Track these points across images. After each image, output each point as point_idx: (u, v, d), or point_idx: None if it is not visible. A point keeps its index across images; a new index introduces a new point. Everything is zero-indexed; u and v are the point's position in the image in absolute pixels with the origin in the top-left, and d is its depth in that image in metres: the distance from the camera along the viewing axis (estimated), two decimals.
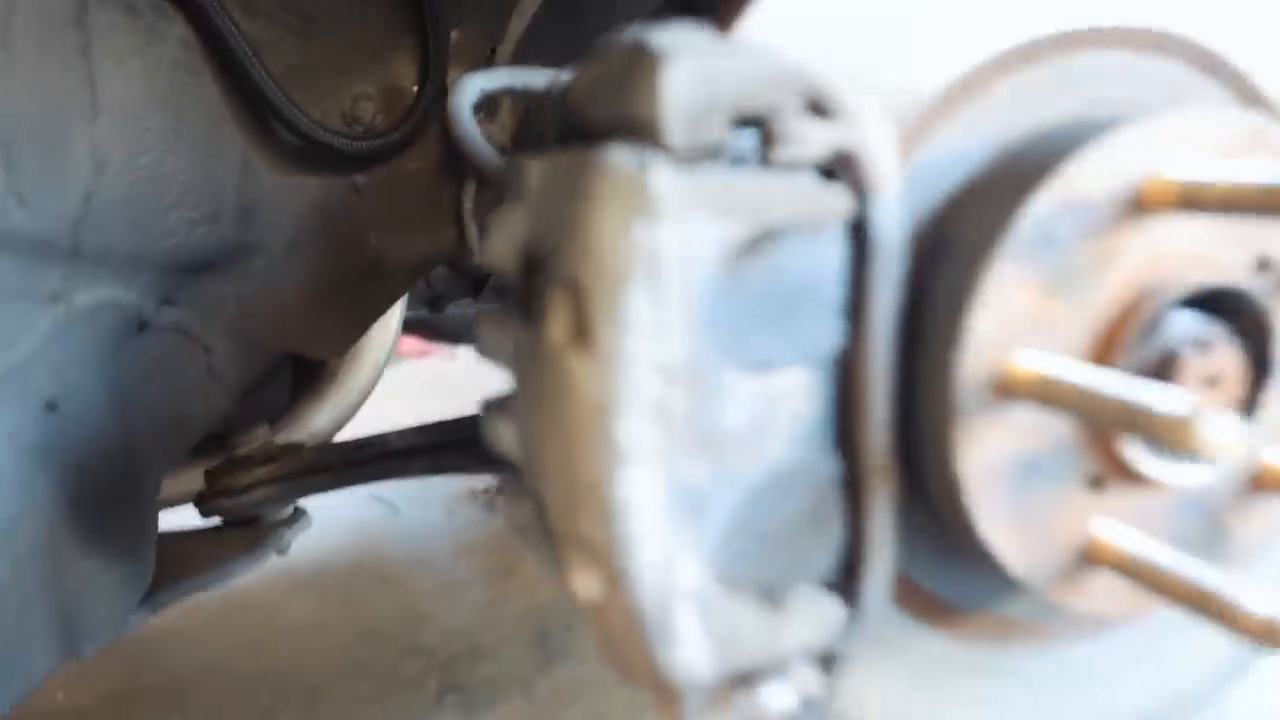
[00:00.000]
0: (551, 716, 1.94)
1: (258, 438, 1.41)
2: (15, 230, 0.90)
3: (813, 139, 0.54)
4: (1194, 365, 0.59)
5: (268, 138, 1.10)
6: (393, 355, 1.84)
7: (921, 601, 0.69)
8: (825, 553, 0.60)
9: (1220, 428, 0.46)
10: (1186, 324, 0.60)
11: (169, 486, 1.35)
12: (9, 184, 0.89)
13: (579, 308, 0.50)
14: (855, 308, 0.57)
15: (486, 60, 1.18)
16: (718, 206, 0.50)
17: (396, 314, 1.64)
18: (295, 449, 1.37)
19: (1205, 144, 0.59)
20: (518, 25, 1.16)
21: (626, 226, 0.48)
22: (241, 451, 1.36)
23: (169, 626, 2.38)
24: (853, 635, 0.62)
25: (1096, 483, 0.61)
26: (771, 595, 0.58)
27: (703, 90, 0.51)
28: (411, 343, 3.48)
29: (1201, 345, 0.60)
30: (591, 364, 0.49)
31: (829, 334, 0.57)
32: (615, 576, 0.52)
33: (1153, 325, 0.60)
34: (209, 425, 1.23)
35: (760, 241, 0.54)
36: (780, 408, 0.55)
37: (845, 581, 0.61)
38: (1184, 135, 0.59)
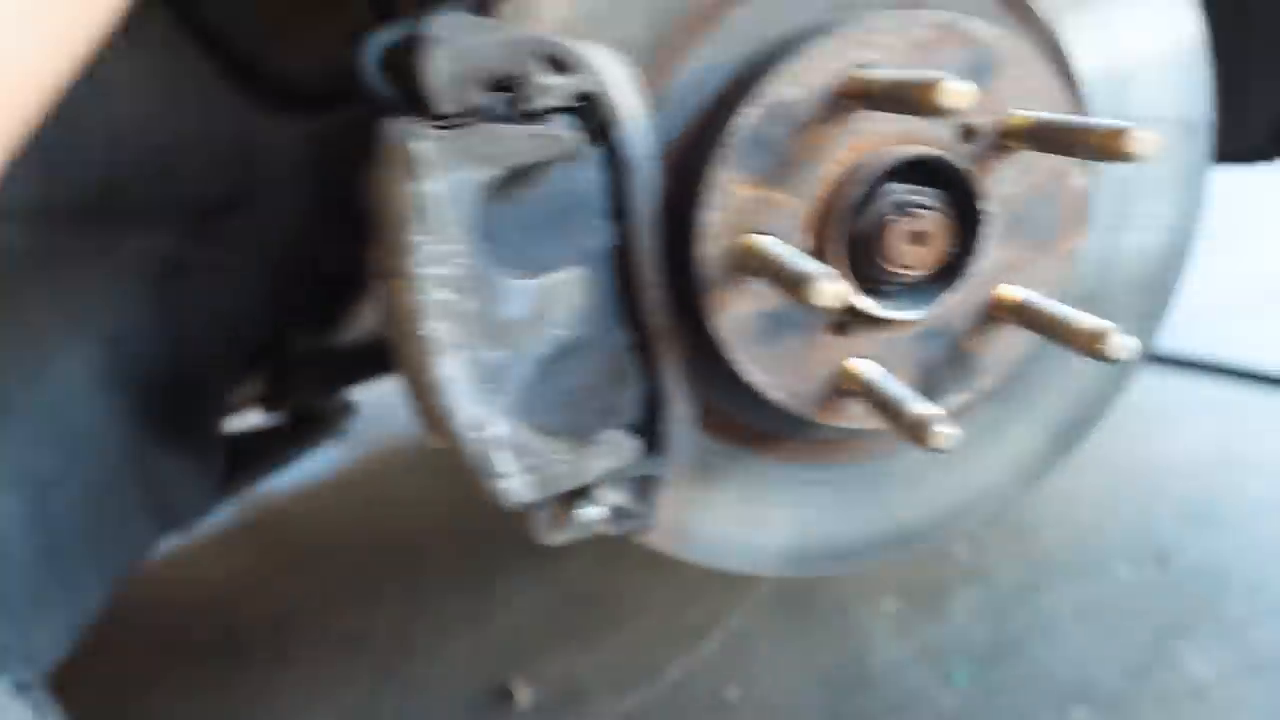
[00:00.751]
0: (611, 568, 2.20)
1: (307, 343, 1.65)
2: (56, 202, 1.13)
3: (555, 91, 0.69)
4: (900, 227, 0.73)
5: (256, 90, 1.29)
6: None
7: (740, 432, 0.86)
8: (631, 403, 0.79)
9: (829, 281, 0.61)
10: (897, 193, 0.74)
11: (240, 394, 1.62)
12: (43, 165, 1.11)
13: (385, 246, 0.68)
14: (619, 214, 0.74)
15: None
16: (473, 157, 0.67)
17: None
18: (335, 350, 1.61)
19: (899, 41, 0.71)
20: None
21: (400, 184, 0.66)
22: (293, 357, 1.61)
23: (295, 509, 2.75)
24: (662, 463, 0.80)
25: (840, 327, 0.77)
26: (584, 437, 0.77)
27: (459, 67, 0.67)
28: None
29: (907, 209, 0.73)
30: (399, 286, 0.68)
31: (600, 236, 0.74)
32: (446, 435, 0.72)
33: (868, 197, 0.73)
34: (256, 338, 1.47)
35: (527, 175, 0.70)
36: (558, 298, 0.72)
37: (650, 424, 0.79)
38: (879, 36, 0.71)
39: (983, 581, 1.82)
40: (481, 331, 0.70)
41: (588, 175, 0.73)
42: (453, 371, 0.70)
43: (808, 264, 0.64)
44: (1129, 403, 2.30)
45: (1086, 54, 0.84)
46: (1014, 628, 1.72)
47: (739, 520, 0.88)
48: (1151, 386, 2.16)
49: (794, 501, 0.89)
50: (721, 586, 1.98)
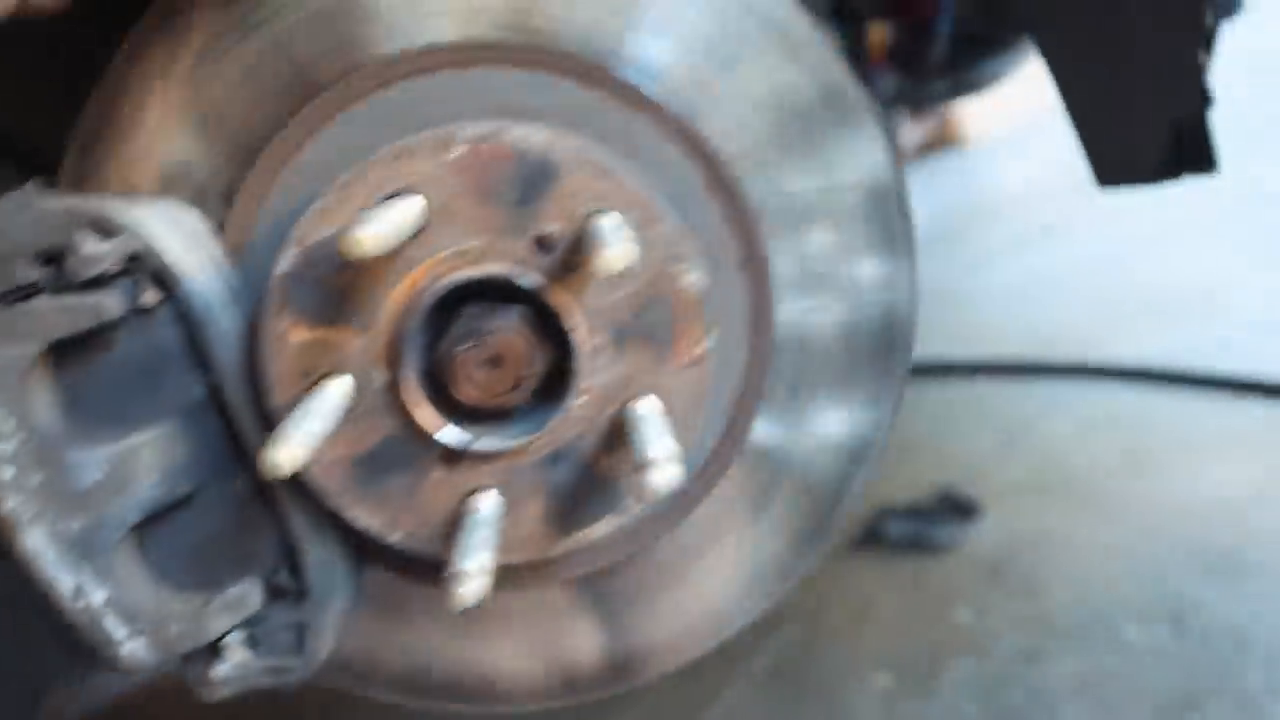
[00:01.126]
0: None
1: None
2: None
3: (105, 256, 0.69)
4: (469, 354, 0.67)
5: None
6: None
7: (416, 566, 0.81)
8: (268, 549, 0.77)
9: (278, 447, 0.58)
10: (467, 317, 0.68)
11: None
12: None
13: None
14: (204, 365, 0.72)
15: None
16: (10, 335, 0.68)
17: None
18: None
19: (435, 163, 0.66)
20: None
21: None
22: None
23: None
24: (311, 609, 0.77)
25: (449, 459, 0.71)
26: (220, 589, 0.75)
27: None
28: None
29: (472, 335, 0.67)
30: None
31: (188, 389, 0.73)
32: (54, 607, 0.72)
33: (439, 324, 0.69)
34: None
35: (93, 341, 0.70)
36: (144, 456, 0.71)
37: (292, 569, 0.77)
38: (410, 162, 0.66)
39: (980, 650, 1.66)
40: (55, 502, 0.70)
41: (163, 332, 0.72)
42: (38, 544, 0.70)
43: (286, 423, 0.60)
44: (1153, 434, 2.06)
45: (728, 123, 0.76)
46: (1007, 705, 1.55)
47: (435, 654, 0.83)
48: (1177, 415, 1.90)
49: (496, 633, 0.83)
50: (715, 664, 1.89)
